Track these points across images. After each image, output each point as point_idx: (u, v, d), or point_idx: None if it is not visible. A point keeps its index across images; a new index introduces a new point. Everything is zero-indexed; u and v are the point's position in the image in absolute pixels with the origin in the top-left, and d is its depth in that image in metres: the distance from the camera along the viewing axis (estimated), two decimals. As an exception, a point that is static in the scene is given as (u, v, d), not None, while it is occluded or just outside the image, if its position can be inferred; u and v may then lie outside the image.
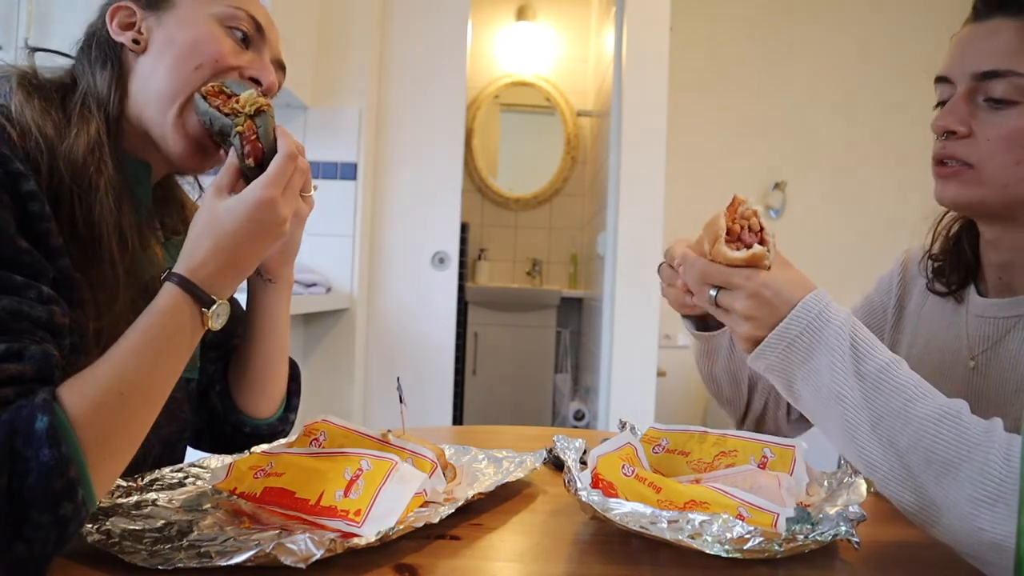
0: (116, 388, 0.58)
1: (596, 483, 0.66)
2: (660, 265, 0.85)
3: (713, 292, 0.70)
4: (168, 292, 0.64)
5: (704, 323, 0.96)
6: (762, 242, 0.69)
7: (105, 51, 0.76)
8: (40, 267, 0.61)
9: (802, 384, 0.67)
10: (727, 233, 0.68)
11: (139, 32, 0.76)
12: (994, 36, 0.75)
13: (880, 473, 0.63)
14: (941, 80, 0.80)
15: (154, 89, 0.75)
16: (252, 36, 0.80)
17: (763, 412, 1.01)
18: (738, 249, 0.68)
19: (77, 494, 0.53)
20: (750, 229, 0.69)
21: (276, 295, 0.87)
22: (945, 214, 0.93)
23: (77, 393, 0.56)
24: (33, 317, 0.58)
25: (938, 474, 0.59)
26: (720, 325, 0.93)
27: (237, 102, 0.72)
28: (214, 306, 0.65)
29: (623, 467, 0.70)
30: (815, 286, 0.68)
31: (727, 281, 0.68)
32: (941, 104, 0.81)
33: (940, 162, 0.79)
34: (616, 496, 0.64)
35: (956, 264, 0.89)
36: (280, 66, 0.85)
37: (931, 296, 0.94)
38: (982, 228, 0.85)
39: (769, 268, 0.67)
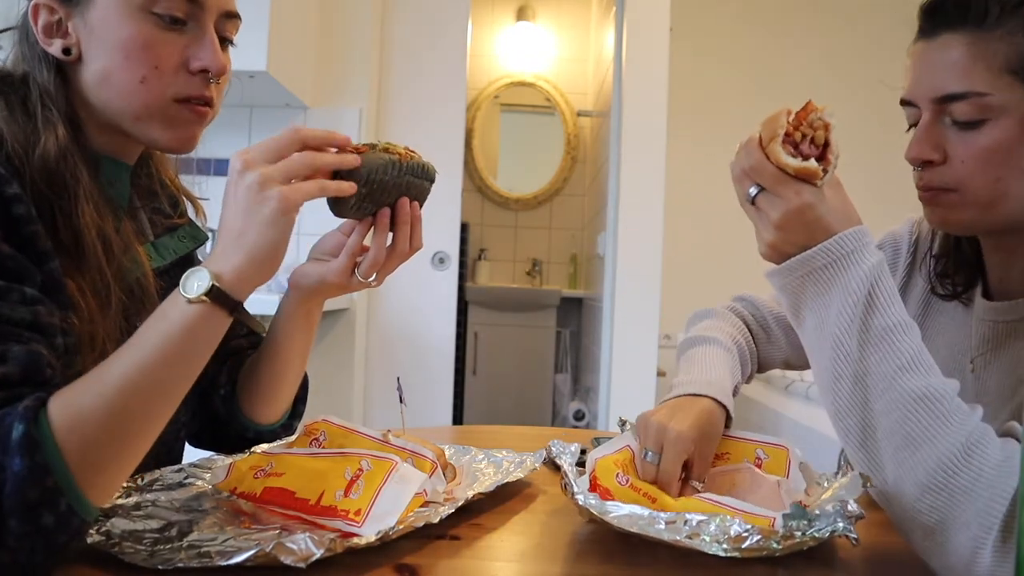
0: (100, 391, 0.55)
1: (594, 487, 0.66)
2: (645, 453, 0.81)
3: (754, 190, 0.66)
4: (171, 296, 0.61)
5: None
6: (821, 159, 0.63)
7: (37, 54, 0.71)
8: (24, 270, 0.60)
9: (809, 313, 0.66)
10: (785, 135, 0.63)
11: (66, 36, 0.70)
12: (945, 54, 0.72)
13: (844, 424, 0.64)
14: (906, 103, 0.78)
15: (115, 107, 0.71)
16: (185, 14, 0.71)
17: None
18: (793, 156, 0.63)
19: (59, 504, 0.52)
20: (812, 141, 0.64)
21: (306, 319, 0.85)
22: None
23: (61, 400, 0.55)
24: (15, 319, 0.57)
25: (898, 446, 0.60)
26: None
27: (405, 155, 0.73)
28: (187, 272, 0.60)
29: (617, 476, 0.70)
30: (860, 221, 0.65)
31: (774, 187, 0.64)
32: (914, 126, 0.79)
33: (923, 190, 0.78)
34: (613, 499, 0.64)
35: (959, 264, 0.87)
36: (230, 16, 0.76)
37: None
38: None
39: (819, 187, 0.63)
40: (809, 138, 0.64)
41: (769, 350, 1.04)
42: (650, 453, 0.76)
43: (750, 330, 1.04)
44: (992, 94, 0.70)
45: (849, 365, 0.63)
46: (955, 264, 0.87)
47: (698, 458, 0.77)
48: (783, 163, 0.63)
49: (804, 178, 0.63)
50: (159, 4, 0.69)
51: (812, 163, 0.62)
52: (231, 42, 0.79)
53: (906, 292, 0.93)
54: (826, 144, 0.64)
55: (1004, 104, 0.70)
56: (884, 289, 0.63)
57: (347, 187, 0.68)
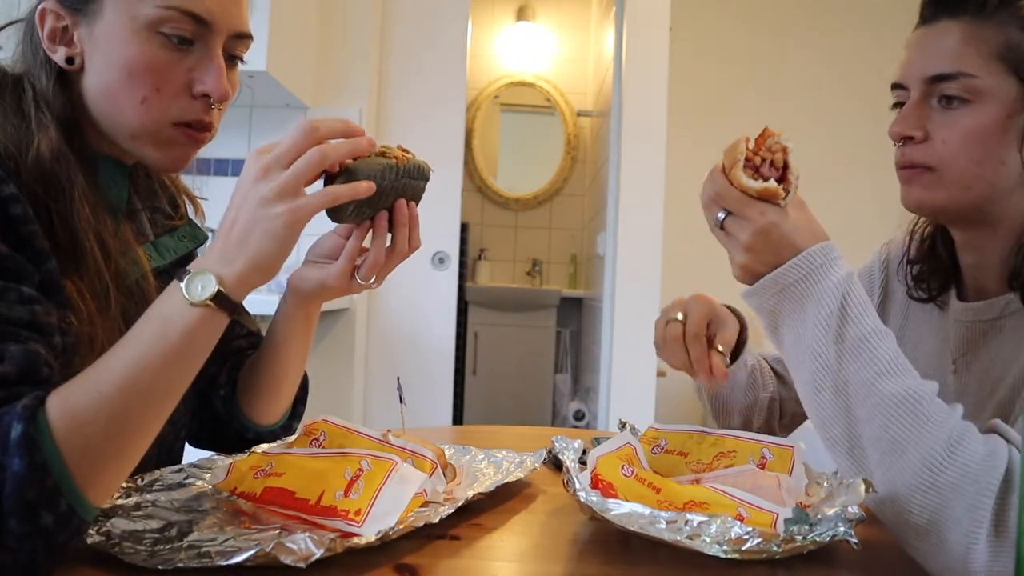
0: (99, 390, 0.55)
1: (596, 484, 0.66)
2: (665, 321, 0.88)
3: (721, 215, 0.69)
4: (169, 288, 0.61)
5: None
6: (782, 180, 0.66)
7: (40, 58, 0.70)
8: (21, 270, 0.59)
9: (787, 330, 0.69)
10: (746, 160, 0.66)
11: (71, 45, 0.70)
12: (942, 39, 0.76)
13: (830, 434, 0.66)
14: (897, 86, 0.81)
15: (112, 121, 0.71)
16: (192, 35, 0.70)
17: (755, 419, 1.01)
18: (755, 179, 0.66)
19: (58, 504, 0.52)
20: (772, 164, 0.67)
21: (306, 321, 0.84)
22: (919, 218, 0.92)
23: (59, 399, 0.54)
24: (12, 319, 0.57)
25: (884, 451, 0.61)
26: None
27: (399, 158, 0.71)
28: (190, 274, 0.59)
29: (623, 467, 0.70)
30: (827, 237, 0.68)
31: (740, 210, 0.67)
32: (898, 105, 0.81)
33: (902, 167, 0.80)
34: (615, 496, 0.64)
35: (934, 268, 0.89)
36: (240, 36, 0.75)
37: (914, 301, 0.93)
38: (952, 231, 0.85)
39: (783, 207, 0.67)
40: (768, 161, 0.67)
41: (780, 389, 1.05)
42: (678, 315, 0.84)
43: None
44: (980, 77, 0.73)
45: (829, 375, 0.65)
46: (930, 268, 0.90)
47: (718, 327, 0.86)
48: (746, 186, 0.66)
49: (767, 198, 0.66)
50: (167, 24, 0.68)
51: (772, 183, 0.66)
52: (240, 59, 0.78)
53: (885, 309, 0.97)
54: (786, 166, 0.67)
55: (991, 89, 0.73)
56: (856, 299, 0.65)
57: (363, 188, 0.66)
